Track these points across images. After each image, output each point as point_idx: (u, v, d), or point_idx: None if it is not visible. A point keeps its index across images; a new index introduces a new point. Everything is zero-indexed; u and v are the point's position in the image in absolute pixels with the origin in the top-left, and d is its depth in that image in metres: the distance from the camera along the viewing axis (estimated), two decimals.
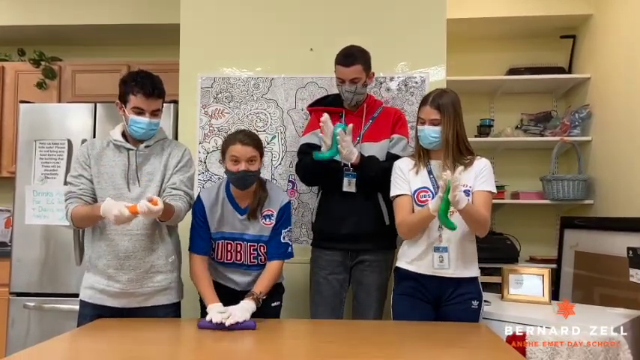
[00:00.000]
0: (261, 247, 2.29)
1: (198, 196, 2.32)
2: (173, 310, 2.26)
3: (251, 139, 2.21)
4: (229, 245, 2.30)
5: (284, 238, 2.28)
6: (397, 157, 2.44)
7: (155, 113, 2.14)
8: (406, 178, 2.20)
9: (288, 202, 2.34)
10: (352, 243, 2.49)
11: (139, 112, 2.10)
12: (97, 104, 3.30)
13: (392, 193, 2.23)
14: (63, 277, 3.16)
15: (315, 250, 2.60)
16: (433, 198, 2.07)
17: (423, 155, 2.22)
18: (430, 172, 2.18)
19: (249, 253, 2.29)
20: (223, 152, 2.24)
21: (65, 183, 3.16)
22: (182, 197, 2.17)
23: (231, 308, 2.01)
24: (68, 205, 2.13)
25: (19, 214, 3.22)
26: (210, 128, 3.00)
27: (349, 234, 2.47)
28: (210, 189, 2.37)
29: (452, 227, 1.96)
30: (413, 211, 2.16)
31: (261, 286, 2.18)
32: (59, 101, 3.78)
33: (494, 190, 2.19)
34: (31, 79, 3.80)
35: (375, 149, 2.49)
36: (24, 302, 3.18)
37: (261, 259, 2.30)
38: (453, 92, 2.21)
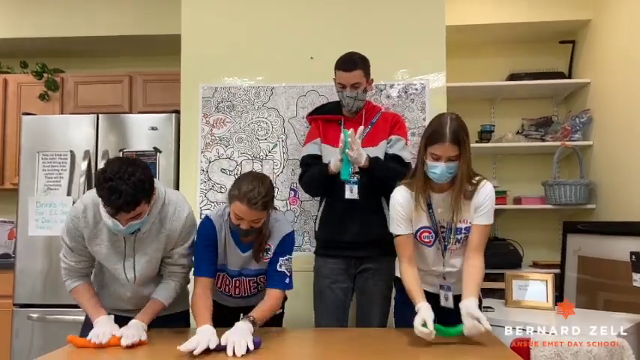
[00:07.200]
0: (261, 278, 2.21)
1: (208, 217, 2.15)
2: (182, 318, 2.26)
3: (262, 201, 1.95)
4: (227, 280, 2.21)
5: (280, 266, 2.11)
6: (396, 156, 2.46)
7: (136, 217, 1.87)
8: (408, 217, 2.07)
9: (290, 234, 2.17)
10: (356, 250, 2.48)
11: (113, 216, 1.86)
12: (99, 115, 3.32)
13: (392, 230, 2.12)
14: (66, 288, 3.15)
15: (319, 259, 2.60)
16: (435, 237, 2.06)
17: (425, 189, 2.05)
18: (430, 207, 2.06)
19: (249, 286, 2.23)
20: (231, 198, 2.01)
21: (68, 193, 3.21)
22: (178, 275, 2.10)
23: (229, 334, 1.83)
24: (67, 283, 2.07)
25: (23, 225, 3.23)
26: (212, 137, 3.01)
27: (352, 241, 2.47)
28: (214, 216, 2.15)
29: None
30: (414, 247, 2.10)
31: (260, 313, 2.01)
32: (62, 113, 3.80)
33: (492, 221, 2.09)
34: (33, 91, 3.82)
35: (375, 153, 2.48)
36: (28, 313, 3.19)
37: (260, 287, 2.24)
38: (458, 116, 2.00)
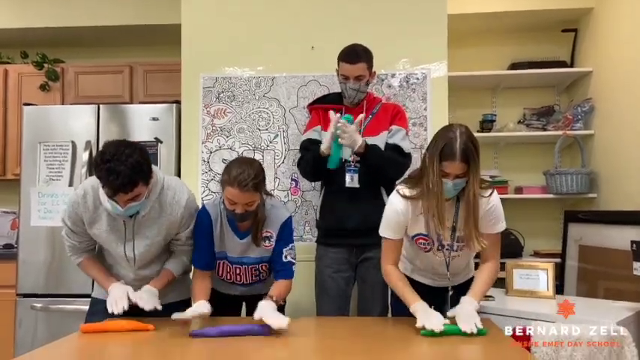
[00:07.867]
0: (262, 266, 2.24)
1: (204, 207, 2.20)
2: (184, 307, 2.27)
3: (252, 183, 1.99)
4: (228, 267, 2.24)
5: (286, 257, 2.17)
6: (396, 146, 2.47)
7: (134, 198, 1.91)
8: (403, 225, 2.05)
9: (288, 219, 2.21)
10: (357, 238, 2.49)
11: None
12: (100, 105, 3.31)
13: (383, 233, 2.09)
14: (69, 278, 3.17)
15: (320, 248, 2.61)
16: (432, 244, 2.05)
17: (439, 203, 1.94)
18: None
19: (251, 273, 2.25)
20: (222, 184, 2.05)
21: (70, 184, 3.21)
22: (188, 252, 2.19)
23: (257, 314, 1.92)
24: (72, 258, 2.16)
25: (25, 215, 3.24)
26: (213, 128, 3.01)
27: (354, 229, 2.48)
28: (210, 206, 2.20)
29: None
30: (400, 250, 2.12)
31: (277, 292, 2.09)
32: (62, 103, 3.80)
33: (504, 227, 2.08)
34: (34, 82, 3.81)
35: (375, 142, 2.48)
36: (31, 303, 3.20)
37: (262, 275, 2.27)
38: (467, 129, 1.93)
